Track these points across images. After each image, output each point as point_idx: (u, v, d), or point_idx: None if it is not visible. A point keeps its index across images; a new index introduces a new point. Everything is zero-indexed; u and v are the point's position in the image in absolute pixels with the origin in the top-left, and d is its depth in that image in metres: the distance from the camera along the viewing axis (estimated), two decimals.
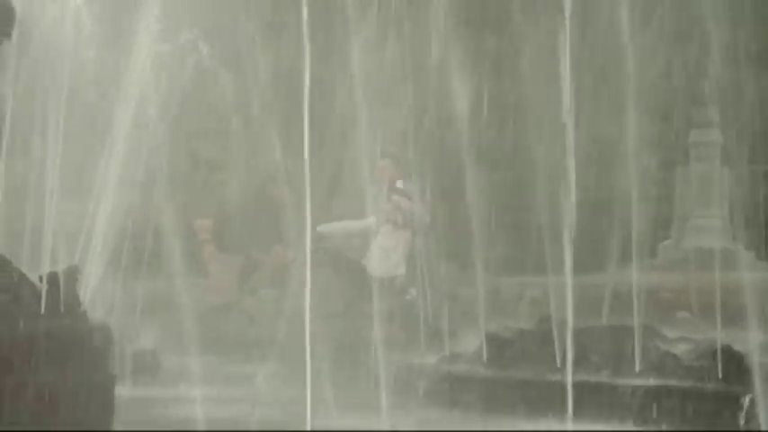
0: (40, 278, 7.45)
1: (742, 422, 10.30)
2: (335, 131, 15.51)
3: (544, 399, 10.93)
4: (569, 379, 10.06)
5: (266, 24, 14.17)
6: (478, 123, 14.88)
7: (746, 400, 10.31)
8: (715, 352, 11.27)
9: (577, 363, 11.15)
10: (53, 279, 7.40)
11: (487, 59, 16.13)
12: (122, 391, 7.72)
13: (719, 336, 11.76)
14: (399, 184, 15.52)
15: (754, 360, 10.17)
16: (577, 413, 10.30)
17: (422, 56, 15.94)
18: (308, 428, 8.07)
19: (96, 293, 7.99)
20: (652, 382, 11.32)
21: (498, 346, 12.59)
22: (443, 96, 15.20)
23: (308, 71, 9.06)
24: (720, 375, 11.01)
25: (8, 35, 7.73)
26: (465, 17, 15.80)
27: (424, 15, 15.42)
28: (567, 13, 9.70)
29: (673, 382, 11.24)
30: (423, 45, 15.54)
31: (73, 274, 7.51)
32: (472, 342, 13.08)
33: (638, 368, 11.57)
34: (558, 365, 11.29)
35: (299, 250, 8.56)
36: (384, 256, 14.79)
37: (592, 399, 10.86)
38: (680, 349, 11.96)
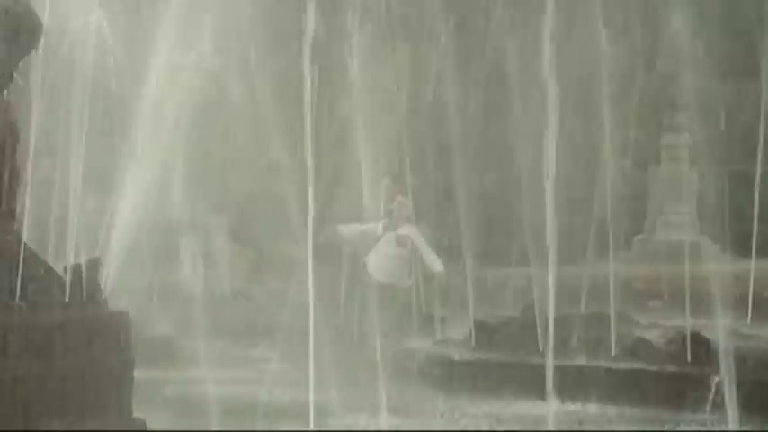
0: (65, 269, 7.42)
1: (709, 402, 10.28)
2: (336, 133, 15.46)
3: (528, 380, 10.90)
4: (550, 362, 10.03)
5: (274, 36, 14.13)
6: (468, 127, 14.84)
7: (713, 382, 10.30)
8: (684, 337, 11.26)
9: (558, 347, 11.11)
10: (76, 270, 7.37)
11: (477, 69, 16.10)
12: (140, 372, 7.70)
13: (688, 322, 11.75)
14: (399, 200, 15.37)
15: (721, 345, 10.14)
16: (558, 393, 10.27)
17: (416, 65, 15.91)
18: (311, 428, 8.04)
19: (116, 283, 7.94)
20: (626, 365, 11.31)
21: (486, 332, 12.57)
22: (436, 102, 15.17)
23: (310, 77, 9.02)
24: (689, 359, 11.00)
25: (35, 46, 7.71)
26: (457, 31, 15.76)
27: (418, 28, 15.39)
28: (551, 28, 9.68)
29: (645, 365, 11.23)
30: (417, 55, 15.51)
31: (95, 265, 7.49)
32: (462, 328, 13.06)
33: (613, 352, 11.56)
34: (541, 350, 11.26)
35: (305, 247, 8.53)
36: (387, 263, 14.54)
37: (571, 380, 10.83)
38: (652, 335, 11.94)
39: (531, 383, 10.69)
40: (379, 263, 14.43)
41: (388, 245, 14.57)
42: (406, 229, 14.55)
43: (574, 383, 10.79)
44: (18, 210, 7.70)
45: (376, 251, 14.59)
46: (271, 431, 9.18)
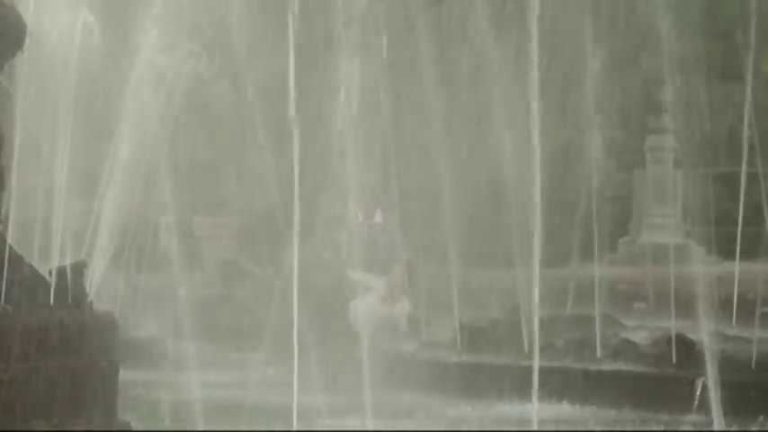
0: (50, 272, 7.41)
1: (695, 404, 10.31)
2: (322, 136, 15.45)
3: (513, 382, 10.93)
4: (536, 364, 10.05)
5: (258, 39, 14.14)
6: (454, 129, 14.88)
7: (699, 384, 10.33)
8: (669, 339, 11.30)
9: (544, 349, 11.15)
10: (61, 273, 7.36)
11: (463, 71, 16.14)
12: (126, 375, 7.69)
13: (673, 324, 11.78)
14: (378, 216, 15.34)
15: (706, 346, 10.18)
16: (543, 396, 10.29)
17: (401, 67, 15.92)
18: (295, 428, 8.05)
19: (101, 286, 7.93)
20: (612, 366, 11.34)
21: (471, 334, 12.60)
22: (421, 106, 15.20)
23: (293, 82, 9.04)
24: (674, 361, 11.03)
25: (20, 48, 7.70)
26: (442, 35, 15.79)
27: (403, 34, 15.41)
28: (535, 31, 9.70)
29: (631, 367, 11.27)
30: (402, 60, 15.52)
31: (80, 268, 7.48)
32: (447, 330, 13.08)
33: (599, 354, 11.60)
34: (526, 352, 11.29)
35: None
36: (374, 321, 14.46)
37: (557, 382, 10.86)
38: (637, 337, 11.99)
39: (516, 385, 10.72)
40: (366, 319, 14.30)
41: (378, 302, 14.48)
42: (403, 306, 14.55)
43: (559, 385, 10.82)
44: (3, 212, 7.68)
45: (365, 302, 14.46)
46: (262, 431, 9.18)
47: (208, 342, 12.44)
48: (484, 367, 11.73)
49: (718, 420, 9.42)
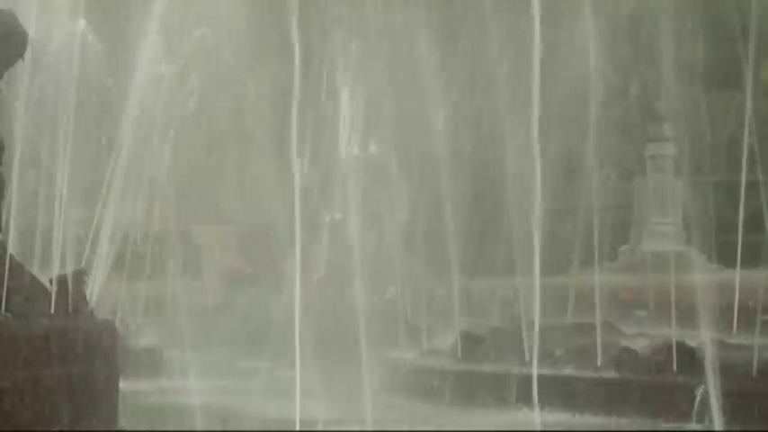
0: (50, 280, 7.42)
1: (695, 411, 10.32)
2: (323, 144, 15.50)
3: (514, 391, 10.94)
4: (536, 372, 10.08)
5: (259, 48, 14.16)
6: (456, 139, 14.90)
7: (699, 392, 10.33)
8: (670, 347, 11.30)
9: (544, 357, 11.17)
10: (62, 281, 7.37)
11: (465, 81, 16.16)
12: (126, 383, 7.70)
13: (674, 332, 11.79)
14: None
15: (706, 354, 10.18)
16: (544, 404, 10.31)
17: (403, 79, 15.96)
18: (298, 428, 8.07)
19: (102, 294, 7.95)
20: (612, 374, 11.34)
21: (472, 342, 12.61)
22: (423, 115, 15.23)
23: (298, 88, 9.06)
24: (675, 368, 11.04)
25: (21, 56, 7.71)
26: (445, 43, 15.83)
27: (405, 43, 15.44)
28: (537, 41, 9.75)
29: (631, 375, 11.27)
30: (404, 70, 15.55)
31: (80, 276, 7.49)
32: (448, 339, 13.09)
33: (599, 362, 11.60)
34: (527, 360, 11.30)
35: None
36: None
37: (557, 390, 10.87)
38: (638, 345, 11.99)
39: (517, 393, 10.73)
40: None
41: None
42: None
43: (560, 393, 10.82)
44: (3, 221, 7.70)
45: None
46: (264, 431, 9.20)
47: (208, 349, 12.45)
48: (484, 375, 11.74)
49: (718, 428, 9.44)
